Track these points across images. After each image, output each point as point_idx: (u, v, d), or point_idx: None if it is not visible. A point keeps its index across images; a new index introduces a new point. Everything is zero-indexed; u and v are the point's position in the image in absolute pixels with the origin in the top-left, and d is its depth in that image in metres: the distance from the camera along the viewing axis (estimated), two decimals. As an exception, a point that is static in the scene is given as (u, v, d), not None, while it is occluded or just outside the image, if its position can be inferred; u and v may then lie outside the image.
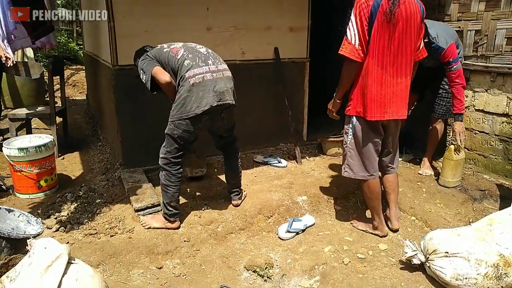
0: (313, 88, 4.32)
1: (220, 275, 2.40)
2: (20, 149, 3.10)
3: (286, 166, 3.73)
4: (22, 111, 4.06)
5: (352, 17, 2.30)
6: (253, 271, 2.42)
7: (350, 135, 2.56)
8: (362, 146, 2.52)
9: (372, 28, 2.27)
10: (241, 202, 3.00)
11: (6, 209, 2.35)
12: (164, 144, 2.62)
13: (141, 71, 2.61)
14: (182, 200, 2.94)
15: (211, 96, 2.45)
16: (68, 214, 2.90)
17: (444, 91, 3.40)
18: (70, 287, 1.64)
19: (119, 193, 3.20)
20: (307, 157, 3.99)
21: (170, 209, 2.64)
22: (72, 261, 1.79)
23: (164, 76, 2.49)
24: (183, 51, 2.54)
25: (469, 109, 3.65)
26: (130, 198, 2.97)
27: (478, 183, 3.41)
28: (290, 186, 3.30)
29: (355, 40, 2.29)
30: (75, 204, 3.04)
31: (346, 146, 2.61)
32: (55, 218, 2.83)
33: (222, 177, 3.46)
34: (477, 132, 3.61)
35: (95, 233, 2.68)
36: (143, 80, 2.60)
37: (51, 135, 3.54)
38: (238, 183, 2.97)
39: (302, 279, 2.36)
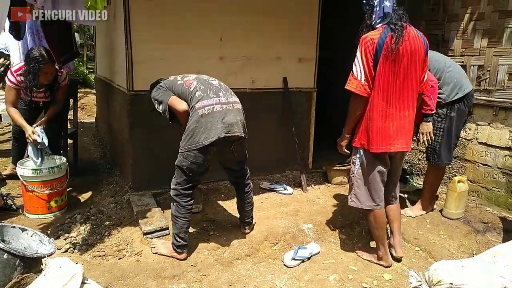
0: (319, 114, 4.41)
1: (226, 301, 2.43)
2: (34, 170, 3.18)
3: (292, 193, 3.79)
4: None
5: (358, 54, 2.40)
6: (259, 298, 2.44)
7: (358, 165, 2.63)
8: (369, 176, 2.58)
9: (377, 64, 2.37)
10: (249, 232, 3.04)
11: (20, 228, 2.41)
12: (174, 176, 2.64)
13: (156, 102, 2.68)
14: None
15: (219, 128, 2.47)
16: (77, 235, 2.95)
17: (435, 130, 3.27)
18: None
19: (128, 215, 3.25)
20: (312, 185, 4.05)
21: (179, 240, 2.65)
22: (86, 281, 1.84)
23: (181, 105, 2.54)
24: (195, 83, 2.61)
25: (472, 141, 3.72)
26: (139, 221, 3.02)
27: (481, 216, 3.44)
28: (296, 214, 3.35)
29: (361, 76, 2.39)
30: (84, 226, 3.09)
31: (353, 176, 2.68)
32: (65, 239, 2.88)
33: (228, 203, 3.52)
34: (480, 164, 3.67)
35: (104, 255, 2.72)
36: (159, 110, 2.67)
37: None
38: (249, 214, 3.00)
39: (308, 307, 2.39)
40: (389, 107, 2.45)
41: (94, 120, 6.78)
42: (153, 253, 2.73)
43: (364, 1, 2.48)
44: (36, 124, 3.49)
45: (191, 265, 2.67)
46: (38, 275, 2.14)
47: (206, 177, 2.87)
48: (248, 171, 2.93)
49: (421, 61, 2.50)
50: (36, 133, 3.29)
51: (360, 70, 2.39)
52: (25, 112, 3.65)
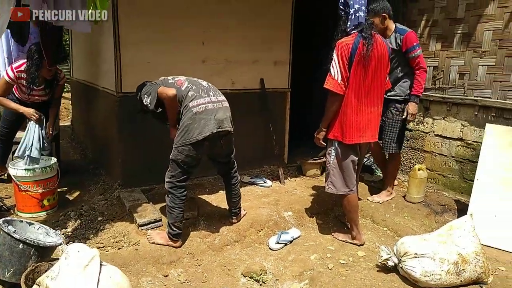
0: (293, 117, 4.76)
1: (221, 281, 2.68)
2: (27, 170, 3.30)
3: (271, 186, 4.10)
4: (20, 135, 4.24)
5: (335, 57, 2.74)
6: (250, 277, 2.72)
7: (333, 155, 2.96)
8: (343, 165, 2.93)
9: (351, 66, 2.72)
10: (237, 222, 3.29)
11: (27, 222, 2.57)
12: (169, 169, 2.85)
13: (145, 96, 2.82)
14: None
15: (212, 124, 2.72)
16: (73, 231, 3.12)
17: (388, 120, 3.63)
18: (106, 283, 1.91)
19: (120, 211, 3.44)
20: (289, 178, 4.38)
21: (174, 229, 2.86)
22: (102, 263, 2.06)
23: (170, 91, 2.69)
24: (187, 83, 2.84)
25: (429, 134, 4.18)
26: (133, 215, 3.23)
27: (438, 199, 3.89)
28: (277, 203, 3.66)
29: (338, 76, 2.73)
30: (79, 222, 3.26)
31: (329, 165, 3.01)
32: (63, 234, 3.05)
33: (213, 196, 3.78)
34: (436, 154, 4.13)
35: (103, 247, 2.91)
36: (146, 103, 2.81)
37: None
38: (236, 205, 3.24)
39: (293, 283, 2.69)
40: (360, 104, 2.80)
41: (69, 123, 6.82)
42: (150, 243, 2.94)
43: (341, 8, 2.80)
44: (47, 132, 3.63)
45: (187, 252, 2.92)
46: (51, 263, 2.34)
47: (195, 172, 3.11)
48: (235, 164, 3.20)
49: (385, 64, 2.88)
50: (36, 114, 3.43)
51: (337, 71, 2.72)
52: (14, 113, 3.73)
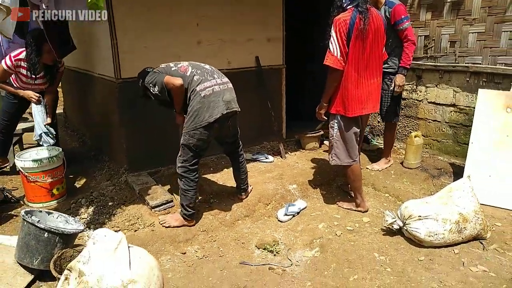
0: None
1: (237, 254, 2.82)
2: (35, 161, 3.34)
3: (273, 161, 4.21)
4: (19, 127, 4.25)
5: (333, 33, 2.80)
6: (264, 249, 2.86)
7: (336, 129, 3.06)
8: (346, 137, 3.04)
9: (349, 41, 2.79)
10: (245, 197, 3.40)
11: (46, 211, 2.65)
12: (180, 154, 2.89)
13: (151, 85, 2.86)
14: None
15: (221, 105, 2.78)
16: (87, 217, 3.21)
17: (384, 91, 3.70)
18: (137, 263, 2.02)
19: (129, 195, 3.52)
20: (289, 152, 4.50)
21: (189, 209, 2.94)
22: (129, 245, 2.16)
23: (177, 80, 2.74)
24: (191, 69, 2.86)
25: (423, 102, 4.31)
26: (145, 197, 3.32)
27: (435, 164, 4.07)
28: (281, 177, 3.78)
29: (337, 52, 2.80)
30: (91, 208, 3.34)
31: (332, 138, 3.11)
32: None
33: (218, 175, 3.88)
34: (430, 121, 4.28)
35: (119, 230, 3.00)
36: (154, 92, 2.86)
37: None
38: (244, 182, 3.35)
39: (305, 251, 2.84)
40: (360, 77, 2.90)
41: (61, 111, 6.77)
42: (165, 227, 3.00)
43: None
44: (45, 123, 3.66)
45: (201, 230, 3.04)
46: (75, 249, 2.43)
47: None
48: (240, 143, 3.29)
49: (382, 36, 2.97)
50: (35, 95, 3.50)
51: (336, 47, 2.79)
52: (14, 105, 3.74)
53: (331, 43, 2.81)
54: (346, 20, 2.76)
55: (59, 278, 2.19)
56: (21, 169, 3.37)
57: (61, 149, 3.63)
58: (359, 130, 3.10)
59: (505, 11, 3.50)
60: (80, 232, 2.56)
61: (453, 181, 3.63)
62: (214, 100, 2.78)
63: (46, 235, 2.33)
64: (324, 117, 3.15)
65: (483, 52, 3.69)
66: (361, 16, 2.75)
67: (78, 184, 3.93)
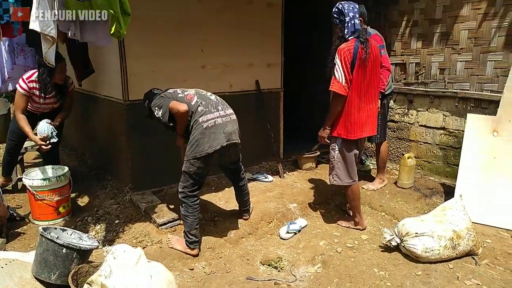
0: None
1: (243, 270, 2.93)
2: (43, 179, 3.43)
3: (272, 180, 4.36)
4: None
5: (338, 61, 2.99)
6: (268, 265, 2.98)
7: (337, 150, 3.23)
8: (347, 158, 3.21)
9: (353, 69, 3.00)
10: (249, 218, 3.51)
11: (60, 228, 2.73)
12: (181, 180, 2.98)
13: (156, 108, 2.97)
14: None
15: (222, 138, 2.88)
16: (95, 234, 3.29)
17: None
18: (156, 276, 2.12)
19: (134, 213, 3.62)
20: (287, 172, 4.66)
21: (191, 237, 2.97)
22: (148, 260, 2.26)
23: (182, 106, 2.85)
24: (196, 98, 2.96)
25: (414, 125, 4.55)
26: (151, 215, 3.42)
27: (426, 184, 4.27)
28: (281, 196, 3.93)
29: (342, 79, 2.99)
30: (98, 226, 3.42)
31: (333, 159, 3.28)
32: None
33: (220, 194, 4.00)
34: (422, 143, 4.50)
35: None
36: (158, 115, 2.97)
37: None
38: (247, 203, 3.47)
39: (308, 267, 2.97)
40: (361, 102, 3.09)
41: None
42: (169, 247, 3.09)
43: (335, 17, 3.05)
44: (50, 122, 3.67)
45: (207, 247, 3.14)
46: (90, 265, 2.52)
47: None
48: (242, 167, 3.40)
49: (379, 63, 3.20)
50: (45, 140, 3.54)
51: (341, 74, 2.98)
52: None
53: (336, 70, 3.00)
54: (350, 50, 2.97)
55: (76, 293, 2.28)
56: (29, 187, 3.44)
57: (67, 168, 3.72)
58: (358, 152, 3.28)
59: (489, 42, 3.78)
60: (95, 248, 2.65)
61: (444, 200, 3.84)
62: (215, 132, 2.87)
63: (64, 250, 2.42)
64: (327, 140, 3.30)
65: (470, 79, 3.96)
66: (363, 46, 2.97)
67: (82, 202, 4.01)
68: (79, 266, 2.47)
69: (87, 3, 2.58)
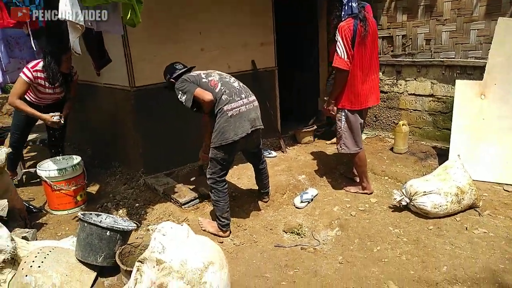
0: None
1: (269, 239, 3.12)
2: (60, 170, 3.47)
3: (276, 156, 4.55)
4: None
5: (339, 38, 3.17)
6: (291, 232, 3.18)
7: (343, 121, 3.45)
8: (353, 128, 3.43)
9: (354, 45, 3.19)
10: (268, 200, 3.62)
11: (95, 214, 2.82)
12: (209, 167, 3.06)
13: (180, 92, 2.99)
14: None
15: (247, 125, 2.95)
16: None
17: None
18: (207, 247, 2.28)
19: (152, 195, 3.73)
20: (287, 147, 4.85)
21: (223, 220, 3.07)
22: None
23: (208, 95, 2.89)
24: (220, 86, 2.98)
25: (403, 94, 4.83)
26: (171, 196, 3.54)
27: (420, 148, 4.59)
28: (289, 169, 4.13)
29: (344, 55, 3.18)
30: (120, 210, 3.52)
31: (340, 130, 3.48)
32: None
33: (231, 171, 4.12)
34: (412, 110, 4.80)
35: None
36: (181, 99, 2.99)
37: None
38: (266, 185, 3.58)
39: (328, 231, 3.20)
40: (364, 75, 3.30)
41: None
42: (202, 230, 3.19)
43: None
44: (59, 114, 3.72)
45: (231, 222, 3.30)
46: (131, 245, 2.65)
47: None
48: (263, 151, 3.51)
49: (377, 37, 3.41)
50: (55, 116, 3.58)
51: (343, 51, 3.17)
52: (24, 119, 3.79)
53: (338, 47, 3.18)
54: (350, 27, 3.15)
55: (125, 270, 2.40)
56: (45, 179, 3.47)
57: (80, 157, 3.75)
58: (362, 121, 3.51)
59: (472, 12, 4.06)
60: (135, 229, 2.76)
61: (438, 161, 4.16)
62: (240, 120, 2.94)
63: (108, 233, 2.53)
64: (333, 113, 3.51)
65: (455, 47, 4.24)
66: (362, 23, 3.15)
67: (93, 190, 4.06)
68: (123, 247, 2.59)
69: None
